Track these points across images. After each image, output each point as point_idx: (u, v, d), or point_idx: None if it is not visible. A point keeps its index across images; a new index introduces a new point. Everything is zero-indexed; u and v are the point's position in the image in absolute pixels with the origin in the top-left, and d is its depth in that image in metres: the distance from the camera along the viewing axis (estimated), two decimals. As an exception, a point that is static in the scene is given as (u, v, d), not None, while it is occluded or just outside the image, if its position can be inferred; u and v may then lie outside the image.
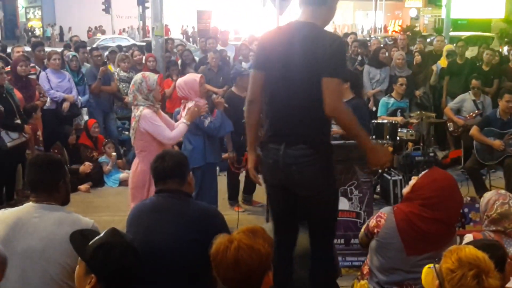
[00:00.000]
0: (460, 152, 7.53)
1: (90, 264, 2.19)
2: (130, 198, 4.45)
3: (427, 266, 2.38)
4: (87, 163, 7.17)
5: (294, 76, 2.88)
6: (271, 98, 3.03)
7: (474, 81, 7.54)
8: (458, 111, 7.59)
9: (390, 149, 6.39)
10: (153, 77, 4.43)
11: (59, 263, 2.62)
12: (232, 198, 6.28)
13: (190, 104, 4.86)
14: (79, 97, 7.58)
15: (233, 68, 7.31)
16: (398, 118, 7.01)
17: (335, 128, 4.62)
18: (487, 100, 7.63)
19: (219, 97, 5.51)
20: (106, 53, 10.59)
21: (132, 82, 4.41)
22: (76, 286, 2.28)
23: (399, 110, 7.29)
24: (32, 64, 7.32)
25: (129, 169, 7.49)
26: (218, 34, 12.52)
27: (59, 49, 10.38)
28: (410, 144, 6.82)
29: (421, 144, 6.62)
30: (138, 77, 4.40)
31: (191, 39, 33.09)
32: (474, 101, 7.52)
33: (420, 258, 3.11)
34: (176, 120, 4.90)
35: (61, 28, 40.37)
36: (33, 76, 7.12)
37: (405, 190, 3.34)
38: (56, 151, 7.09)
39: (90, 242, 2.23)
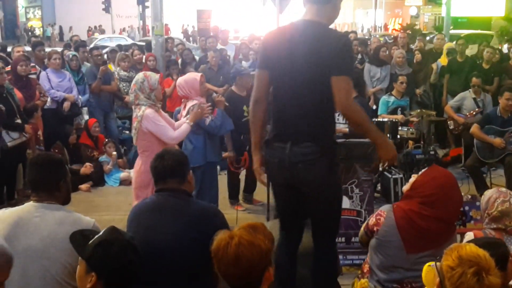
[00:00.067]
0: (460, 150, 7.53)
1: (90, 262, 2.20)
2: (133, 198, 4.45)
3: (427, 264, 2.38)
4: (88, 165, 7.17)
5: (300, 75, 2.88)
6: (277, 97, 3.03)
7: (474, 79, 7.53)
8: (458, 109, 7.59)
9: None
10: (154, 76, 4.43)
11: (60, 263, 2.62)
12: (233, 197, 6.28)
13: (190, 103, 4.86)
14: (80, 97, 7.59)
15: (233, 67, 7.31)
16: (399, 117, 7.01)
17: (338, 127, 4.62)
18: (488, 98, 7.62)
19: (220, 95, 5.51)
20: (103, 52, 10.57)
21: (133, 82, 4.40)
22: (78, 286, 2.28)
23: (400, 109, 7.29)
24: (32, 64, 7.33)
25: (129, 168, 7.53)
26: (219, 33, 12.50)
27: (59, 49, 10.39)
28: (410, 142, 6.83)
29: (422, 142, 6.62)
30: (139, 76, 4.39)
31: (191, 38, 33.08)
32: (474, 99, 7.51)
33: (420, 256, 3.11)
34: (177, 120, 4.90)
35: (61, 27, 40.36)
36: (33, 76, 7.12)
37: (405, 188, 3.35)
38: (56, 150, 7.10)
39: (90, 241, 2.23)
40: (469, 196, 4.98)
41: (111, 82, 8.03)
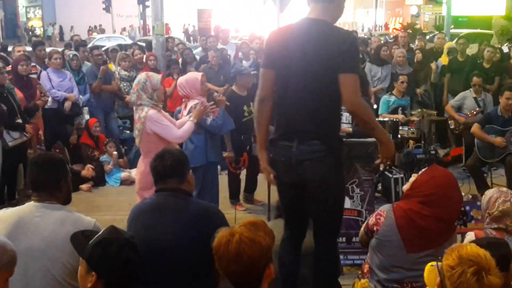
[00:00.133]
0: (461, 149, 7.52)
1: (89, 261, 2.20)
2: (137, 198, 4.43)
3: (429, 264, 2.38)
4: (89, 167, 7.17)
5: (309, 73, 2.89)
6: (283, 96, 3.02)
7: (475, 79, 7.53)
8: (459, 109, 7.58)
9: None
10: (156, 76, 4.43)
11: (61, 262, 2.62)
12: (233, 197, 6.28)
13: (191, 103, 4.85)
14: (80, 96, 7.59)
15: (233, 67, 7.31)
16: (399, 116, 7.01)
17: (342, 127, 4.62)
18: (488, 98, 7.62)
19: (221, 95, 5.50)
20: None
21: (135, 82, 4.39)
22: (80, 286, 2.28)
23: (400, 108, 7.28)
24: (33, 64, 7.33)
25: (130, 168, 7.53)
26: (219, 32, 12.50)
27: (60, 49, 10.38)
28: (411, 142, 6.83)
29: (422, 142, 6.62)
30: (142, 76, 4.38)
31: (191, 38, 33.08)
32: (475, 98, 7.51)
33: (420, 255, 3.12)
34: (177, 119, 4.89)
35: (61, 27, 40.35)
36: (34, 76, 7.12)
37: (405, 187, 3.35)
38: (57, 150, 7.10)
39: (90, 241, 2.24)
40: (470, 196, 4.99)
41: (111, 82, 8.03)
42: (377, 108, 7.67)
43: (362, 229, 3.46)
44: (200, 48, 11.94)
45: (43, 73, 7.37)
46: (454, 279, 2.09)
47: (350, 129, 6.26)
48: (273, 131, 3.12)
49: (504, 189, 3.46)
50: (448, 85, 8.67)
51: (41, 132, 6.75)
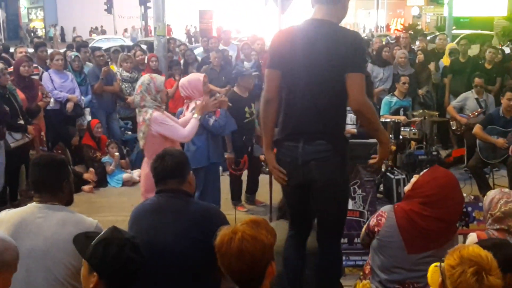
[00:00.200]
0: (463, 150, 7.51)
1: (91, 261, 2.21)
2: (142, 200, 4.42)
3: (434, 264, 2.38)
4: (92, 171, 7.17)
5: (317, 73, 2.89)
6: (289, 97, 3.03)
7: (477, 79, 7.52)
8: (461, 110, 7.57)
9: (393, 148, 6.39)
10: (160, 78, 4.43)
11: (63, 263, 2.62)
12: (235, 198, 6.28)
13: (193, 104, 4.85)
14: (82, 97, 7.60)
15: (235, 68, 7.31)
16: (401, 117, 7.01)
17: (347, 128, 4.63)
18: (490, 98, 7.61)
19: (223, 96, 5.50)
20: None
21: (139, 83, 4.37)
22: (83, 287, 2.29)
23: (402, 109, 7.28)
24: (34, 65, 7.34)
25: (132, 169, 7.54)
26: (221, 33, 12.51)
27: (62, 50, 10.40)
28: (413, 143, 6.82)
29: (424, 143, 6.62)
30: (145, 78, 4.38)
31: (193, 39, 33.10)
32: (477, 99, 7.50)
33: (421, 256, 3.11)
34: (179, 120, 4.89)
35: (62, 28, 40.39)
36: (36, 77, 7.13)
37: (406, 188, 3.35)
38: (59, 151, 7.10)
39: (92, 242, 2.24)
40: (472, 197, 4.98)
41: (113, 83, 8.04)
42: (379, 109, 7.68)
43: (363, 230, 3.45)
44: (201, 48, 11.95)
45: (45, 74, 7.38)
46: (454, 279, 2.10)
47: (355, 130, 6.26)
48: (278, 131, 3.12)
49: (506, 190, 3.45)
50: (450, 86, 8.67)
51: (43, 133, 6.75)
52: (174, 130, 4.32)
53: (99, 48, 11.01)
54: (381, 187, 6.35)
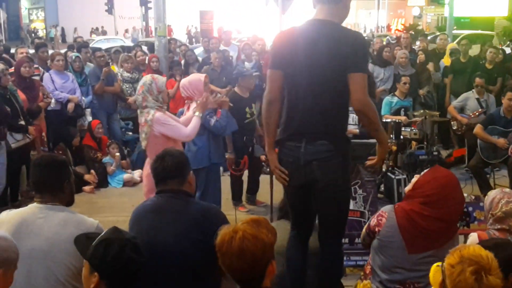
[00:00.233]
0: (464, 150, 7.51)
1: (91, 261, 2.22)
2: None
3: (436, 264, 2.38)
4: (93, 173, 7.17)
5: (318, 74, 2.90)
6: (292, 97, 3.03)
7: (477, 79, 7.52)
8: (461, 110, 7.57)
9: (394, 148, 6.39)
10: (161, 78, 4.44)
11: (64, 264, 2.63)
12: (236, 198, 6.28)
13: (194, 105, 4.85)
14: (83, 98, 7.60)
15: (236, 68, 7.31)
16: (402, 117, 7.00)
17: (349, 128, 4.63)
18: (491, 99, 7.60)
19: (224, 96, 5.50)
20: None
21: (140, 83, 4.38)
22: (84, 287, 2.29)
23: (403, 109, 7.28)
24: (35, 66, 7.34)
25: (133, 169, 7.54)
26: (222, 34, 12.51)
27: (63, 50, 10.41)
28: (413, 143, 6.81)
29: (425, 143, 6.61)
30: (147, 78, 4.38)
31: (194, 39, 33.11)
32: (477, 99, 7.49)
33: (421, 256, 3.12)
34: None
35: (63, 29, 40.42)
36: (37, 77, 7.14)
37: (407, 188, 3.35)
38: (60, 152, 7.11)
39: (93, 242, 2.25)
40: (473, 197, 4.98)
41: (114, 83, 8.04)
42: (380, 109, 7.68)
43: (364, 230, 3.46)
44: (201, 49, 11.95)
45: (46, 74, 7.39)
46: (453, 277, 2.10)
47: (357, 131, 6.26)
48: (280, 132, 3.13)
49: (507, 190, 3.45)
50: (450, 86, 8.66)
51: (44, 134, 6.76)
52: (177, 130, 4.33)
53: (99, 49, 11.01)
54: (382, 187, 6.34)
